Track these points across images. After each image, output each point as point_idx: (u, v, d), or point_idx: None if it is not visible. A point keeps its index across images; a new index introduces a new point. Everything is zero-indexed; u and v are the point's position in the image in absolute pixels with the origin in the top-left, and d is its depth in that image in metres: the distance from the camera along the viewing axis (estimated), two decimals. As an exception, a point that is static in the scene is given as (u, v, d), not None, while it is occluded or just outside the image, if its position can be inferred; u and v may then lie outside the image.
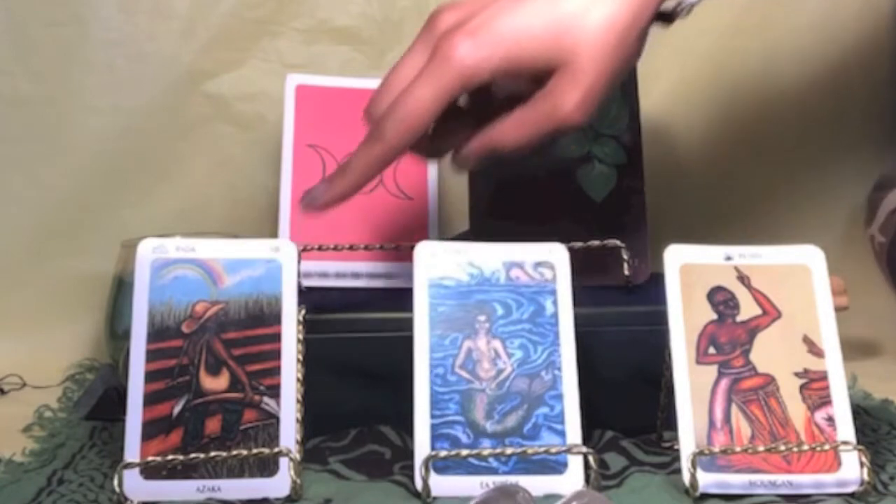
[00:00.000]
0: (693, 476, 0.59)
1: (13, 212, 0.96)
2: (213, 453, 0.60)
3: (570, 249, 0.66)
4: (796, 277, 0.65)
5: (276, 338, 0.63)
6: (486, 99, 0.63)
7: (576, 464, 0.61)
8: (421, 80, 0.59)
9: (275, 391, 0.62)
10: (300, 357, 0.63)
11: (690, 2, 0.64)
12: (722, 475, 0.60)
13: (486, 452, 0.60)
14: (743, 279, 0.65)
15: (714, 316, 0.64)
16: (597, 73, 0.59)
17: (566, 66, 0.59)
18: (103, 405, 0.75)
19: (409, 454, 0.62)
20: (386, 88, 0.61)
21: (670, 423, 0.64)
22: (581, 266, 0.68)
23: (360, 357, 0.68)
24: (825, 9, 1.02)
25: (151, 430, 0.61)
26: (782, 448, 0.60)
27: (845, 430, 0.61)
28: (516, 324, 0.64)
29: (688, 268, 0.64)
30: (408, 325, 0.63)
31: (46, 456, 0.68)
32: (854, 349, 0.75)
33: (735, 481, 0.60)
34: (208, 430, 0.61)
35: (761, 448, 0.60)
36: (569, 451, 0.61)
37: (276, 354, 0.63)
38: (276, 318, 0.63)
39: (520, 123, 0.61)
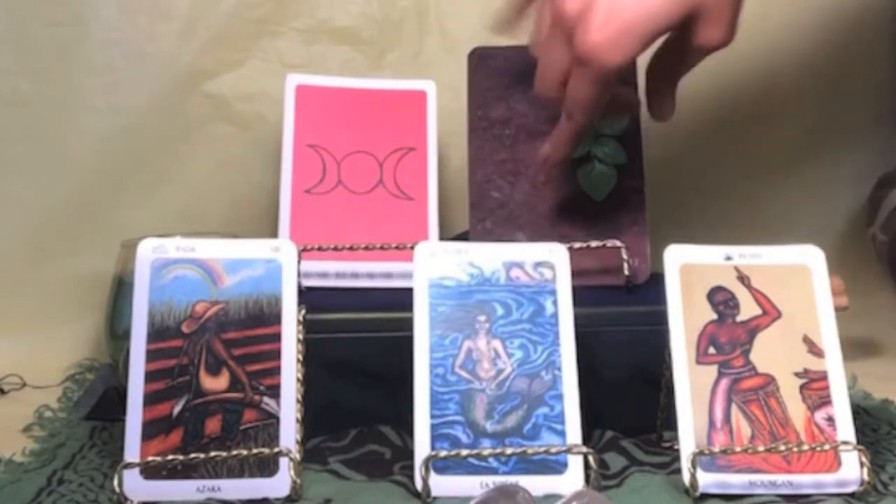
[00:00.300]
0: (693, 476, 0.59)
1: (13, 212, 0.96)
2: (213, 453, 0.60)
3: (570, 249, 0.66)
4: (796, 277, 0.65)
5: (276, 338, 0.63)
6: None
7: (576, 464, 0.61)
8: (577, 82, 0.65)
9: (275, 391, 0.62)
10: (300, 357, 0.63)
11: None
12: (722, 475, 0.60)
13: (486, 452, 0.60)
14: (743, 279, 0.65)
15: (714, 316, 0.64)
16: (727, 3, 0.64)
17: (700, 13, 0.63)
18: (103, 405, 0.75)
19: (409, 454, 0.62)
20: (542, 78, 0.68)
21: (670, 423, 0.64)
22: (581, 266, 0.68)
23: (360, 357, 0.68)
24: (825, 8, 1.02)
25: (151, 430, 0.61)
26: (782, 448, 0.60)
27: (845, 430, 0.61)
28: (516, 324, 0.64)
29: (688, 268, 0.64)
30: (408, 325, 0.63)
31: (46, 456, 0.68)
32: (854, 349, 0.75)
33: (735, 481, 0.60)
34: (208, 430, 0.61)
35: (761, 448, 0.60)
36: (569, 451, 0.61)
37: (276, 354, 0.63)
38: (276, 318, 0.63)
39: (685, 67, 0.69)
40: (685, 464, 0.60)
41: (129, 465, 0.59)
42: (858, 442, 0.61)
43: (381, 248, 0.75)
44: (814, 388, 0.62)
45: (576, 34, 0.63)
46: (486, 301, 0.64)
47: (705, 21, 0.64)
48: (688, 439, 0.61)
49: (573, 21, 0.64)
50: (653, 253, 0.75)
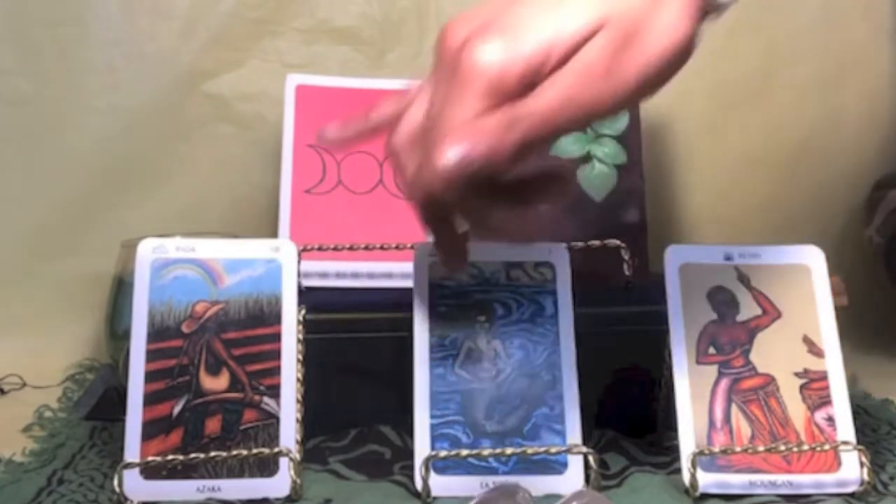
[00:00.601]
0: (693, 476, 0.59)
1: (13, 212, 0.96)
2: (213, 453, 0.60)
3: (570, 249, 0.66)
4: (796, 277, 0.65)
5: (276, 338, 0.63)
6: None
7: (576, 464, 0.61)
8: (448, 101, 0.50)
9: (275, 391, 0.62)
10: (300, 357, 0.63)
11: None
12: (722, 475, 0.60)
13: (486, 452, 0.60)
14: (743, 279, 0.65)
15: (714, 316, 0.64)
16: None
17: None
18: (103, 405, 0.75)
19: (409, 454, 0.62)
20: (406, 121, 0.55)
21: (670, 423, 0.64)
22: (581, 266, 0.68)
23: (360, 357, 0.68)
24: (825, 9, 1.02)
25: (151, 430, 0.61)
26: (782, 448, 0.60)
27: (845, 430, 0.61)
28: (516, 324, 0.64)
29: (688, 268, 0.64)
30: (408, 325, 0.63)
31: (46, 456, 0.68)
32: (854, 349, 0.75)
33: (735, 481, 0.60)
34: (208, 430, 0.61)
35: (761, 448, 0.60)
36: (569, 451, 0.61)
37: (276, 354, 0.63)
38: (276, 318, 0.63)
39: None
40: (685, 464, 0.60)
41: (129, 465, 0.60)
42: (858, 442, 0.61)
43: (381, 248, 0.74)
44: (814, 387, 0.62)
45: (461, 50, 0.50)
46: (486, 301, 0.64)
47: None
48: (688, 439, 0.61)
49: (460, 43, 0.50)
50: (653, 253, 0.75)
